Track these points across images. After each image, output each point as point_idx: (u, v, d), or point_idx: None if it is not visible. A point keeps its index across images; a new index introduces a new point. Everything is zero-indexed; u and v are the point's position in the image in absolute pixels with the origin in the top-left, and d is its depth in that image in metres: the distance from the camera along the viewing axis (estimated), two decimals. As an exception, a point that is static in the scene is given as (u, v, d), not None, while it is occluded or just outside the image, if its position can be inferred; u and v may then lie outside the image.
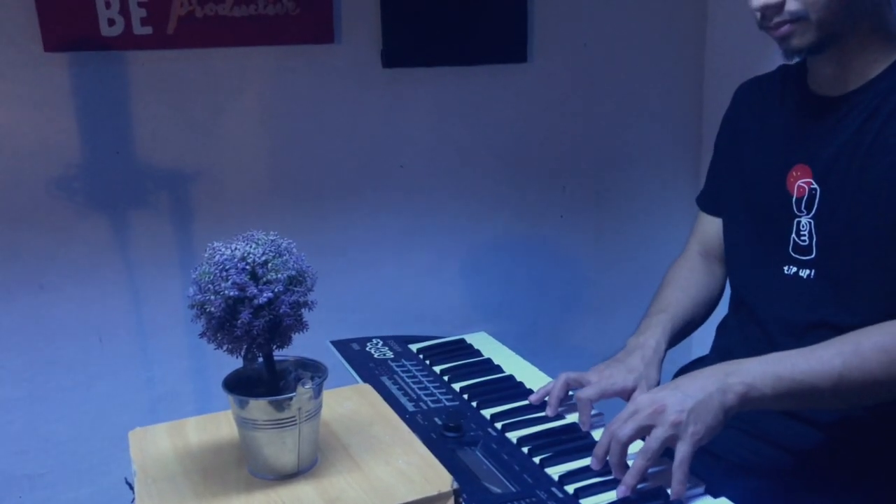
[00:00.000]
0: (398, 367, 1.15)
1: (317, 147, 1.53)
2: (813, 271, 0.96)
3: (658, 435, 0.81)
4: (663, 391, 0.85)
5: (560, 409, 1.00)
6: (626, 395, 0.99)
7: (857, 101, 0.93)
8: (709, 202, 1.18)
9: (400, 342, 1.25)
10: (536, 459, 0.88)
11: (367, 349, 1.21)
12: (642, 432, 0.83)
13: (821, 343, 0.86)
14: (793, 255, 0.98)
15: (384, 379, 1.10)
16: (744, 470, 0.96)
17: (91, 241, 1.38)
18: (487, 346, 1.23)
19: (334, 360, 1.18)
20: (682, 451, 0.80)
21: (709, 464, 0.82)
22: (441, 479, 0.71)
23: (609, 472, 0.85)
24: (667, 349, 1.06)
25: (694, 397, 0.82)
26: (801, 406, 0.89)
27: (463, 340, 1.25)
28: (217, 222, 1.44)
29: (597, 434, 0.94)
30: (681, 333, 1.10)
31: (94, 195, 1.38)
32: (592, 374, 1.02)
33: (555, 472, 0.86)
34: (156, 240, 1.41)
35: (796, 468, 0.95)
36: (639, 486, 0.82)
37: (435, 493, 0.69)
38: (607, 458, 0.84)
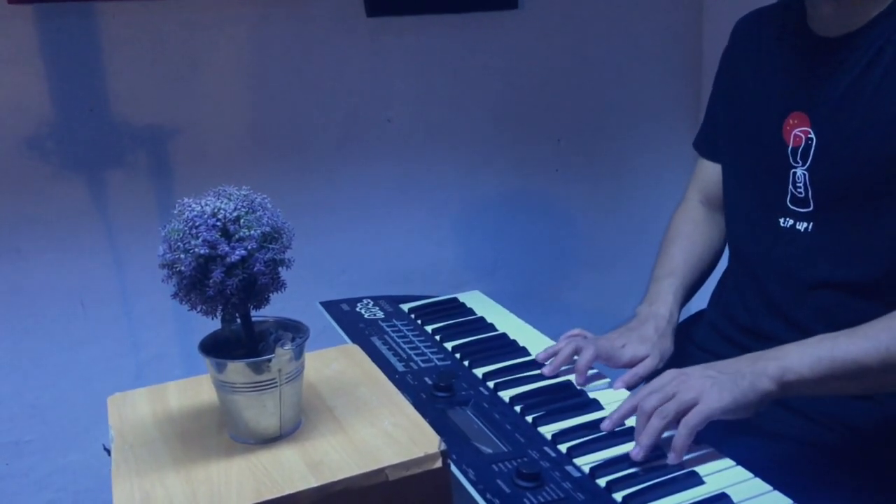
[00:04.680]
0: (389, 327, 1.12)
1: (300, 101, 1.48)
2: (811, 224, 0.91)
3: (678, 398, 0.78)
4: (693, 368, 0.82)
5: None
6: (636, 364, 0.96)
7: (859, 42, 0.87)
8: (707, 146, 1.13)
9: (391, 302, 1.22)
10: (529, 418, 0.86)
11: (358, 309, 1.19)
12: (667, 401, 0.79)
13: (867, 322, 0.82)
14: (790, 206, 0.93)
15: (374, 339, 1.08)
16: (743, 431, 0.93)
17: (68, 202, 1.34)
18: (481, 304, 1.21)
19: (324, 322, 1.15)
20: (696, 410, 0.77)
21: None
22: (428, 441, 0.69)
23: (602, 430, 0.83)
24: (679, 316, 1.03)
25: (724, 373, 0.79)
26: (850, 389, 0.84)
27: (455, 299, 1.23)
28: (198, 180, 1.40)
29: (593, 394, 0.92)
30: (690, 295, 1.07)
31: (69, 155, 1.33)
32: (604, 340, 0.98)
33: (548, 430, 0.84)
34: (135, 200, 1.37)
35: (805, 433, 0.91)
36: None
37: (421, 454, 0.67)
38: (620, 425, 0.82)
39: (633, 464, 0.77)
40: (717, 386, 0.78)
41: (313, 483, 0.64)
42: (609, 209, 1.85)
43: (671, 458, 0.77)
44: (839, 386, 0.82)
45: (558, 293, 1.83)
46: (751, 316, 0.99)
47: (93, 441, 1.40)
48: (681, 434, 0.77)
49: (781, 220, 0.94)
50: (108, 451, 0.74)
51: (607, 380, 0.95)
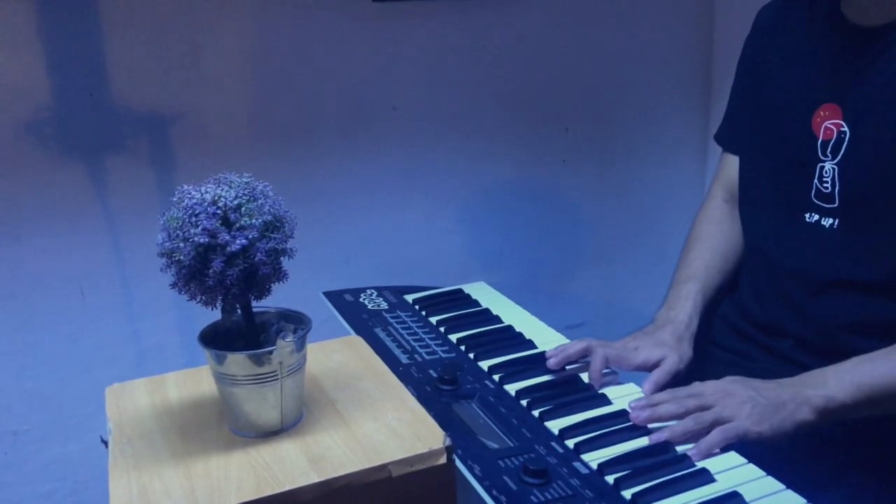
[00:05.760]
0: (393, 318, 1.11)
1: (304, 88, 1.46)
2: (836, 220, 0.89)
3: (716, 411, 0.78)
4: (735, 383, 0.81)
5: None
6: (649, 368, 0.94)
7: None
8: (729, 138, 1.10)
9: (395, 293, 1.21)
10: (536, 413, 0.84)
11: (361, 300, 1.17)
12: (705, 410, 0.79)
13: None
14: (815, 201, 0.91)
15: (378, 331, 1.06)
16: None
17: (67, 188, 1.32)
18: (486, 296, 1.19)
19: (326, 312, 1.14)
20: (735, 425, 0.76)
21: None
22: (433, 436, 0.67)
23: (615, 425, 0.81)
24: (700, 322, 1.00)
25: (767, 399, 0.78)
26: (883, 411, 0.83)
27: (461, 290, 1.21)
28: (200, 167, 1.38)
29: (602, 389, 0.90)
30: (714, 299, 1.04)
31: (68, 140, 1.31)
32: (617, 343, 0.97)
33: (555, 425, 0.82)
34: (136, 187, 1.35)
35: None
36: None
37: (426, 450, 0.65)
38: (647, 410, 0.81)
39: (642, 460, 0.75)
40: (757, 410, 0.77)
41: (315, 479, 0.62)
42: (617, 199, 1.82)
43: (693, 453, 0.76)
44: (876, 409, 0.82)
45: (565, 284, 1.81)
46: (764, 311, 0.98)
47: (92, 431, 1.39)
48: (713, 437, 0.76)
49: (807, 216, 0.92)
50: (106, 444, 0.72)
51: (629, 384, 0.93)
